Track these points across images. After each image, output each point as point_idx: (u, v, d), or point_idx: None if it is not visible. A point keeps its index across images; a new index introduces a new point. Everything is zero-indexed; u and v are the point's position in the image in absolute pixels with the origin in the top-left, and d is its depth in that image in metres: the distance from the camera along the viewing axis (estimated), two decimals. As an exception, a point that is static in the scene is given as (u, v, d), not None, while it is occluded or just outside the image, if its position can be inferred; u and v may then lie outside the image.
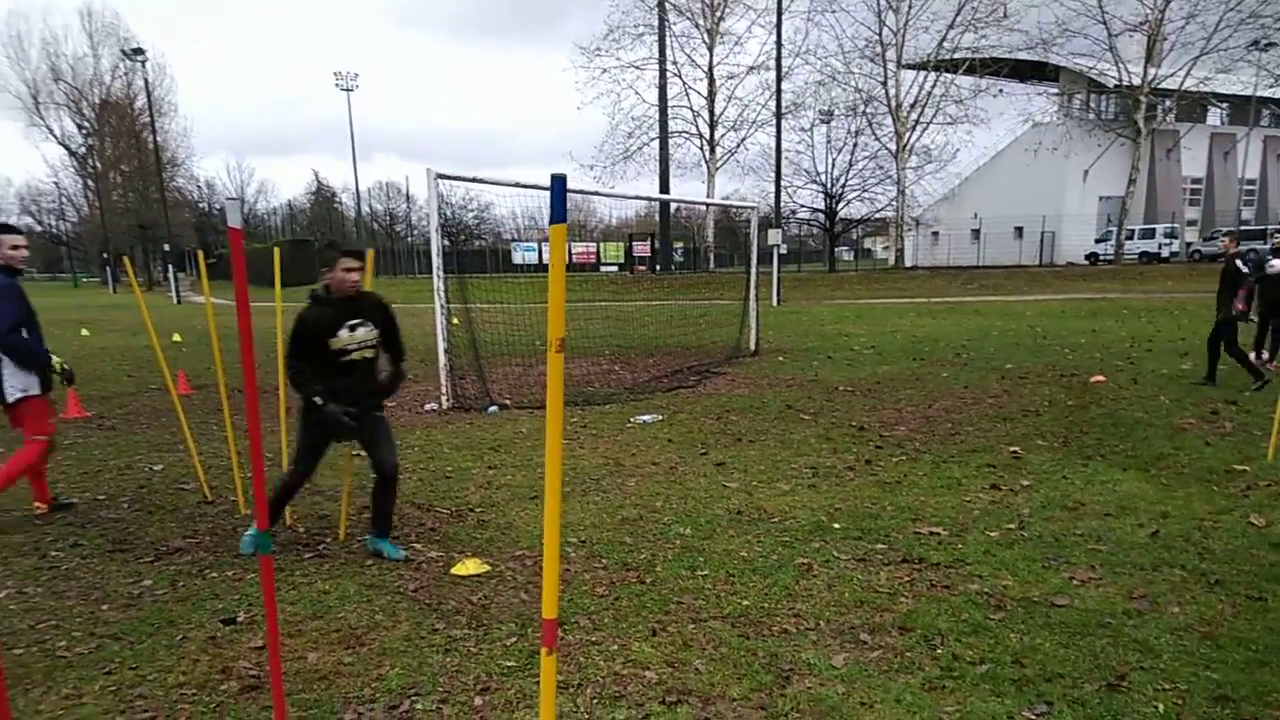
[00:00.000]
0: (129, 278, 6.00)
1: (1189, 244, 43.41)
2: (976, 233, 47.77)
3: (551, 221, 1.55)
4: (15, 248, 5.18)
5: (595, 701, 3.10)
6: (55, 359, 5.31)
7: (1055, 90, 46.65)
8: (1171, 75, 39.27)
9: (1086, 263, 41.78)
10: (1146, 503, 5.28)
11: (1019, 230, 46.02)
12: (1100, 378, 10.10)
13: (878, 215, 48.29)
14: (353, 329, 4.34)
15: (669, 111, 45.57)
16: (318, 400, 4.23)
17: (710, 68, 46.00)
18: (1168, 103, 41.74)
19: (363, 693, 3.19)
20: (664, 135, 45.39)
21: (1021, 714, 2.93)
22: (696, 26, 45.66)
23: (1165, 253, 40.87)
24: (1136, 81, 39.03)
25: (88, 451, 7.56)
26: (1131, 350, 12.76)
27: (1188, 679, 3.12)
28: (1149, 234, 41.66)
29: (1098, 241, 43.21)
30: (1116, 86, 40.30)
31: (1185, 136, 45.24)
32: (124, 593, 4.22)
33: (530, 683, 3.24)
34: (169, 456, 7.26)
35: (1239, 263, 9.15)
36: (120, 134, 64.52)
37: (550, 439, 1.64)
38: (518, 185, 10.46)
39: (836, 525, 5.06)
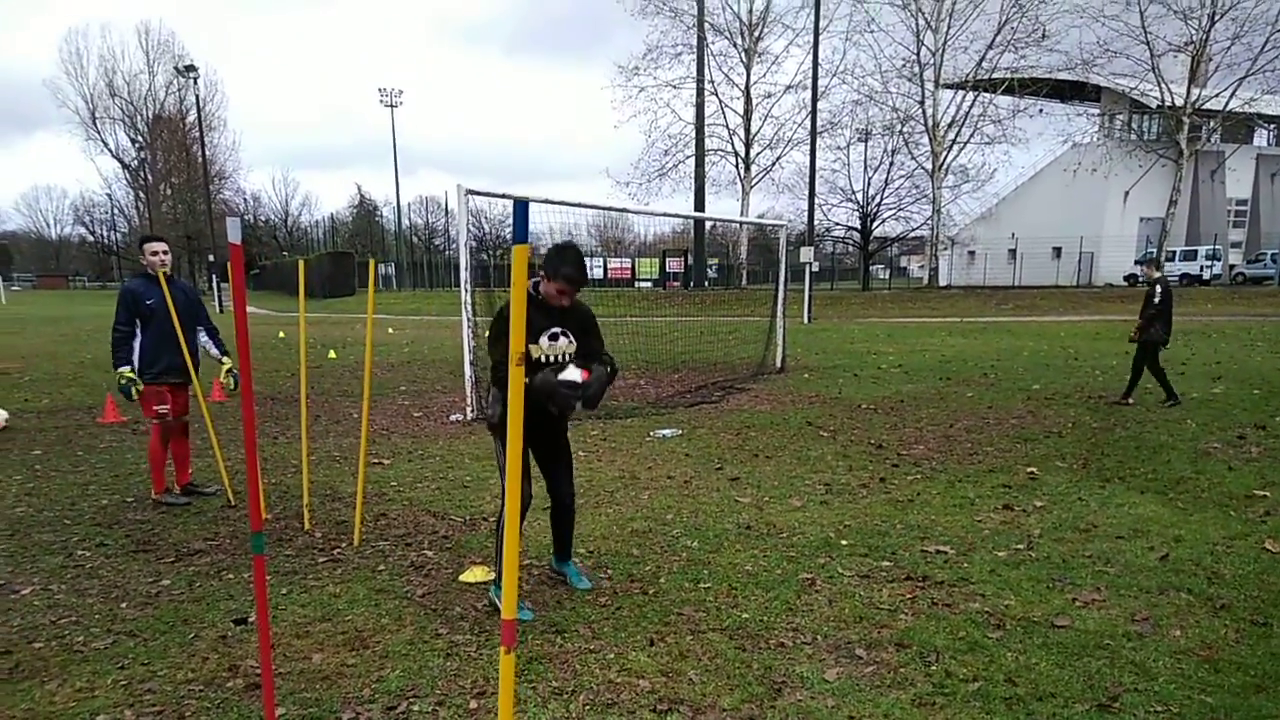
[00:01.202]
0: (162, 288, 6.21)
1: (1232, 266, 42.51)
2: (1013, 252, 47.23)
3: (514, 242, 1.62)
4: (155, 254, 5.92)
5: (587, 708, 3.16)
6: (124, 371, 5.78)
7: (1096, 110, 46.09)
8: (1216, 96, 38.65)
9: (1125, 284, 41.06)
10: (1160, 526, 5.22)
11: (1057, 251, 45.40)
12: (1129, 401, 9.95)
13: (913, 234, 48.00)
14: (553, 339, 3.94)
15: (705, 130, 45.78)
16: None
17: (747, 86, 46.15)
18: (1212, 124, 41.04)
19: (362, 693, 3.28)
20: (700, 153, 45.57)
21: (1009, 732, 2.93)
22: (735, 46, 45.88)
23: (1207, 275, 40.04)
24: (1180, 102, 38.46)
25: (120, 455, 7.79)
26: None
27: (1181, 702, 3.10)
28: (1190, 255, 40.86)
29: (1137, 263, 42.43)
30: (1159, 107, 39.73)
31: (1230, 158, 44.39)
32: (143, 591, 4.37)
33: (526, 688, 3.31)
34: (197, 462, 7.44)
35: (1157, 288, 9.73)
36: (171, 147, 66.42)
37: (511, 451, 1.72)
38: (547, 201, 10.61)
39: (844, 542, 5.07)
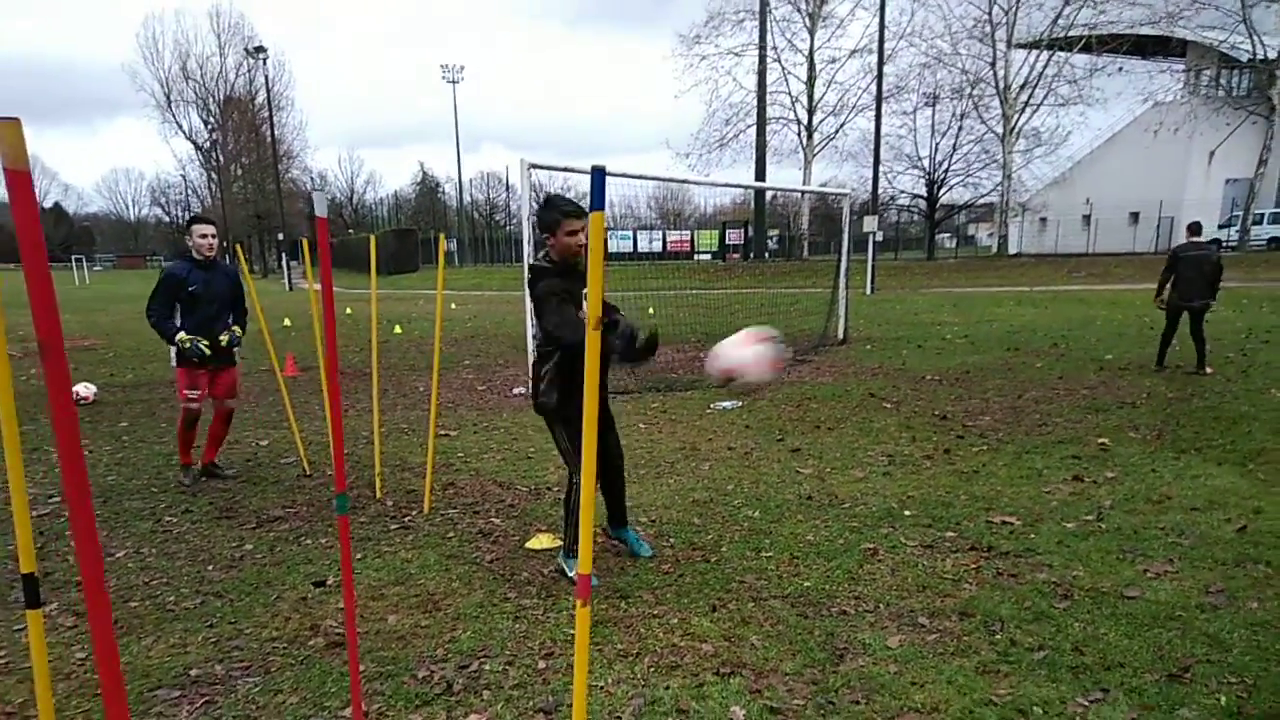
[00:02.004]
0: (241, 265, 6.43)
1: (1326, 229, 40.32)
2: (1088, 219, 45.58)
3: (591, 209, 1.67)
4: (204, 236, 5.77)
5: (652, 669, 3.24)
6: (181, 336, 5.66)
7: (1181, 67, 43.92)
8: (1312, 47, 36.52)
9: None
10: (1239, 498, 5.07)
11: (1134, 216, 43.66)
12: (1209, 369, 9.60)
13: (982, 201, 46.72)
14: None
15: (767, 98, 45.09)
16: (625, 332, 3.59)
17: (811, 52, 45.22)
18: (1308, 77, 38.80)
19: (436, 653, 3.42)
20: (761, 122, 44.93)
21: (1075, 700, 2.92)
22: (798, 11, 44.92)
23: (1299, 238, 38.08)
24: (1273, 55, 36.39)
25: (203, 426, 8.12)
26: (1246, 341, 12.07)
27: (1257, 673, 3.04)
28: (1280, 218, 38.89)
29: (1221, 227, 40.54)
30: (1250, 61, 37.68)
31: (1326, 113, 41.96)
32: (227, 555, 4.60)
33: (593, 650, 3.40)
34: (274, 433, 7.76)
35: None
36: (241, 128, 68.08)
37: (587, 412, 1.78)
38: (609, 174, 10.64)
39: (907, 512, 5.05)
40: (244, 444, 7.31)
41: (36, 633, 1.76)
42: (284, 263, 47.39)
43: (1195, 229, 9.80)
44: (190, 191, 79.69)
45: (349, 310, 24.98)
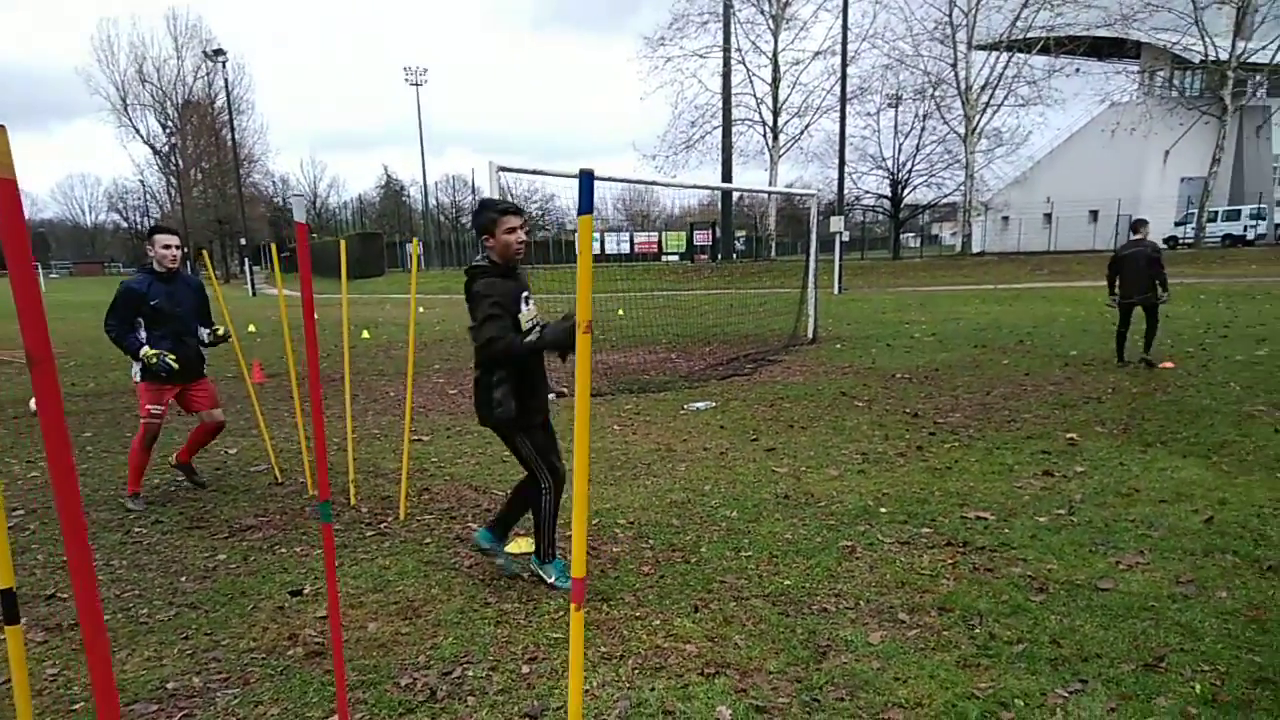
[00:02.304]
0: (208, 271, 6.31)
1: (1277, 225, 41.40)
2: (1049, 217, 46.38)
3: (579, 213, 1.67)
4: (167, 247, 5.42)
5: (636, 671, 3.24)
6: (146, 351, 5.29)
7: (1135, 68, 44.85)
8: (1262, 48, 37.39)
9: (1165, 246, 40.20)
10: (1204, 490, 5.18)
11: (1093, 214, 44.52)
12: (1169, 364, 9.82)
13: (945, 200, 47.31)
14: (527, 302, 3.79)
15: (732, 99, 45.28)
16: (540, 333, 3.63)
17: (775, 54, 45.48)
18: (1258, 78, 39.77)
19: (418, 660, 3.38)
20: (727, 123, 45.13)
21: (1055, 691, 2.96)
22: (762, 13, 45.14)
23: (1251, 235, 39.05)
24: (1224, 56, 37.26)
25: (168, 436, 7.96)
26: (1205, 336, 12.35)
27: (1229, 661, 3.11)
28: (1233, 215, 39.84)
29: (1177, 224, 41.53)
30: (1202, 62, 38.56)
31: (1276, 113, 43.08)
32: (200, 566, 4.52)
33: (574, 653, 3.39)
34: (243, 441, 7.64)
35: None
36: (201, 132, 67.03)
37: (579, 414, 1.77)
38: (575, 177, 10.63)
39: (883, 510, 5.10)
40: (213, 452, 7.19)
41: (16, 649, 1.72)
42: (247, 268, 46.72)
43: (1136, 226, 10.05)
44: (149, 197, 78.27)
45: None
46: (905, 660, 3.25)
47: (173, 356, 5.36)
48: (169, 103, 65.42)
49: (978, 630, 3.47)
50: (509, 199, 9.76)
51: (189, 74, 65.01)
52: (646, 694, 3.07)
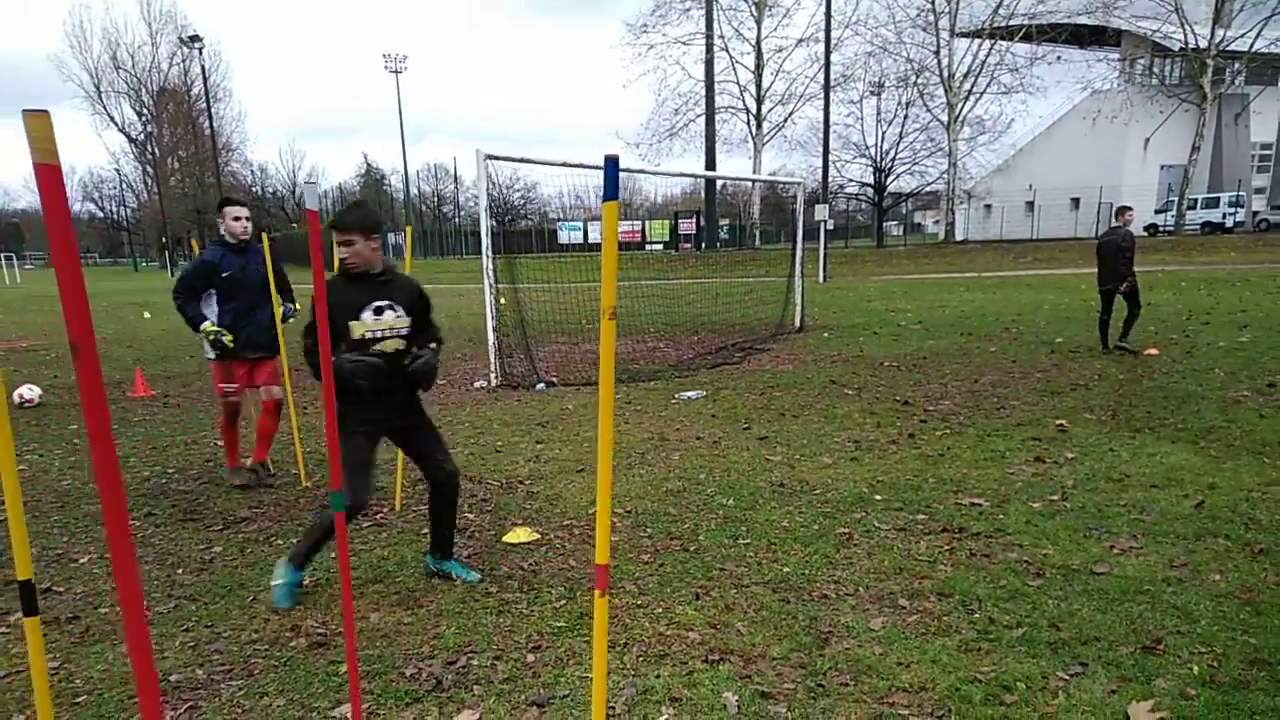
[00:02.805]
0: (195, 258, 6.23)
1: (1256, 213, 41.87)
2: (1031, 205, 46.67)
3: (605, 199, 1.67)
4: (237, 219, 5.51)
5: (641, 659, 3.26)
6: (206, 325, 5.40)
7: (1116, 56, 45.13)
8: (1241, 36, 37.70)
9: (1145, 234, 40.59)
10: (1194, 474, 5.25)
11: (1075, 202, 44.84)
12: (1153, 350, 9.93)
13: (928, 188, 47.53)
14: (379, 312, 3.71)
15: (716, 87, 45.25)
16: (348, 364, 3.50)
17: (758, 41, 45.47)
18: (1237, 65, 40.14)
19: (422, 649, 3.38)
20: (710, 111, 45.10)
21: (1056, 674, 3.00)
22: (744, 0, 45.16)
23: (1230, 222, 39.48)
24: (1204, 44, 37.57)
25: (155, 428, 7.92)
26: (1188, 323, 12.49)
27: (1225, 643, 3.16)
28: (1213, 203, 40.24)
29: (1157, 212, 41.90)
30: (1182, 50, 38.85)
31: (1255, 101, 43.45)
32: (196, 558, 4.49)
33: (579, 641, 3.40)
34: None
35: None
36: (177, 120, 66.26)
37: (603, 401, 1.77)
38: (565, 164, 10.60)
39: (878, 497, 5.14)
40: (203, 444, 7.14)
41: (36, 640, 1.71)
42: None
43: (1118, 212, 10.10)
44: (125, 186, 77.31)
45: (298, 305, 24.47)
46: (907, 645, 3.28)
47: (229, 336, 5.45)
48: (144, 90, 64.62)
49: (977, 615, 3.51)
50: (492, 187, 9.75)
51: (164, 61, 64.23)
52: (652, 681, 3.09)
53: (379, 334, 3.70)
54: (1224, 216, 39.57)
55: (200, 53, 48.35)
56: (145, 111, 65.55)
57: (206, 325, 5.40)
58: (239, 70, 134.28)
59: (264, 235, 5.94)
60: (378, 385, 3.59)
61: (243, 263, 5.50)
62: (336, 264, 3.74)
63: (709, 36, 43.94)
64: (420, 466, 4.06)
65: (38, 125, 1.03)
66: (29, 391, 9.19)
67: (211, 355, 5.61)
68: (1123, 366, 9.17)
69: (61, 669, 3.27)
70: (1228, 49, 38.05)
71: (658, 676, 3.12)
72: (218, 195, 51.64)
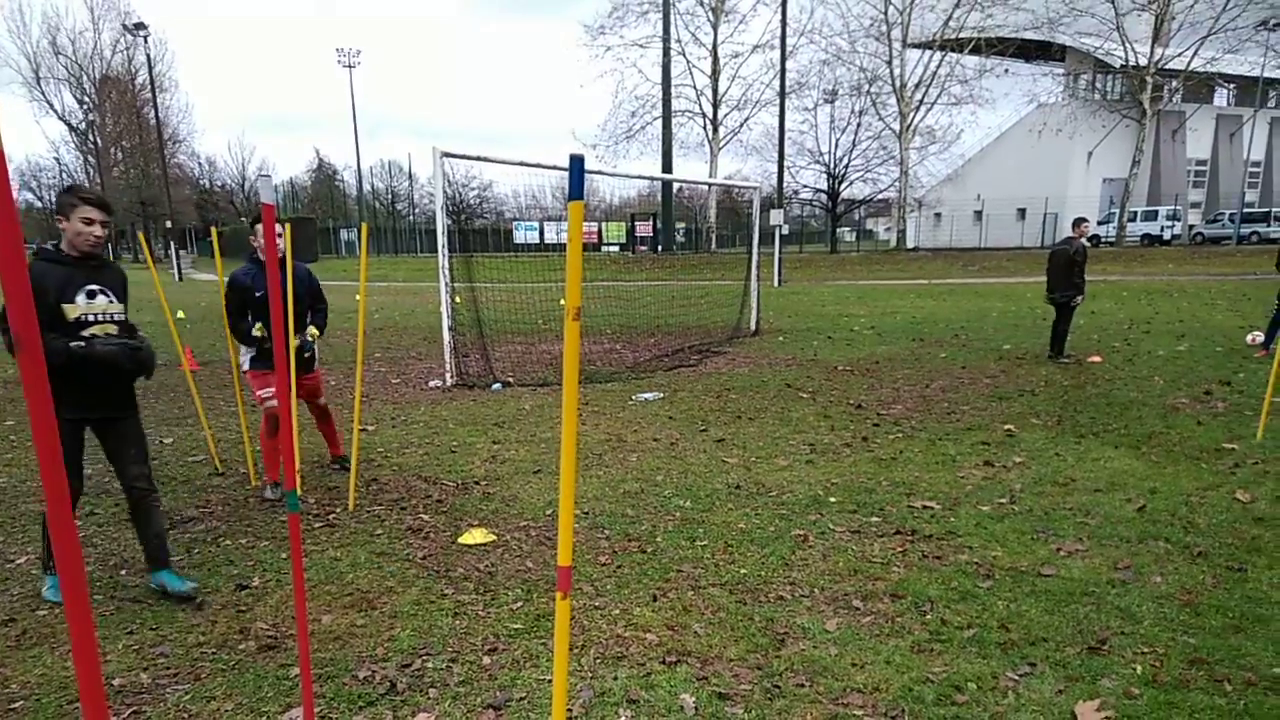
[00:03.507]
0: (145, 255, 6.04)
1: (1191, 226, 43.32)
2: (979, 214, 47.69)
3: (570, 198, 1.65)
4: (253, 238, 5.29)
5: (599, 661, 3.25)
6: (256, 328, 5.13)
7: (1061, 70, 46.42)
8: (1179, 55, 39.04)
9: (1088, 244, 41.73)
10: (1136, 479, 5.41)
11: (1021, 212, 45.96)
12: (1097, 358, 10.21)
13: (880, 196, 48.27)
14: (91, 296, 3.61)
15: (672, 90, 45.37)
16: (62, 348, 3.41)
17: (715, 46, 45.79)
18: (1174, 83, 41.50)
19: (376, 652, 3.33)
20: (667, 114, 45.19)
21: (1005, 674, 3.07)
22: (701, 4, 45.43)
23: (1167, 235, 40.80)
24: (1143, 61, 38.80)
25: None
26: (1129, 332, 12.86)
27: (1166, 643, 3.26)
28: (1151, 216, 41.57)
29: (1100, 224, 43.13)
30: (1123, 66, 40.07)
31: (1191, 118, 45.03)
32: (141, 559, 4.34)
33: (536, 643, 3.38)
34: (178, 430, 7.39)
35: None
36: (121, 110, 64.30)
37: (567, 402, 1.76)
38: (523, 164, 10.55)
39: (833, 499, 5.19)
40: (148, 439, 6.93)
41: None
42: (172, 252, 45.08)
43: (1074, 224, 10.35)
44: (65, 175, 74.83)
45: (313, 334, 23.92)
46: (861, 646, 3.32)
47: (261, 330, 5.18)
48: (85, 77, 62.57)
49: (929, 616, 3.57)
50: (448, 185, 9.66)
51: (106, 48, 62.23)
52: (609, 683, 3.08)
53: (93, 317, 3.60)
54: (1162, 229, 40.90)
55: (145, 41, 46.92)
56: (87, 99, 63.50)
57: (258, 326, 5.13)
58: (186, 61, 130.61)
59: (213, 229, 5.80)
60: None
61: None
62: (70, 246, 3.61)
63: (666, 40, 44.04)
64: (114, 468, 3.90)
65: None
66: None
67: (246, 365, 5.38)
68: (1068, 373, 9.41)
69: (-5, 674, 3.15)
70: (1166, 67, 39.37)
71: (615, 678, 3.11)
72: (164, 188, 50.49)
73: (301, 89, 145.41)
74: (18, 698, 3.00)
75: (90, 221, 3.54)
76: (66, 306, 3.52)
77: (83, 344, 3.45)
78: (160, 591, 3.86)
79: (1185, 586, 3.77)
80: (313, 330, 5.50)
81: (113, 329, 3.67)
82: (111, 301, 3.68)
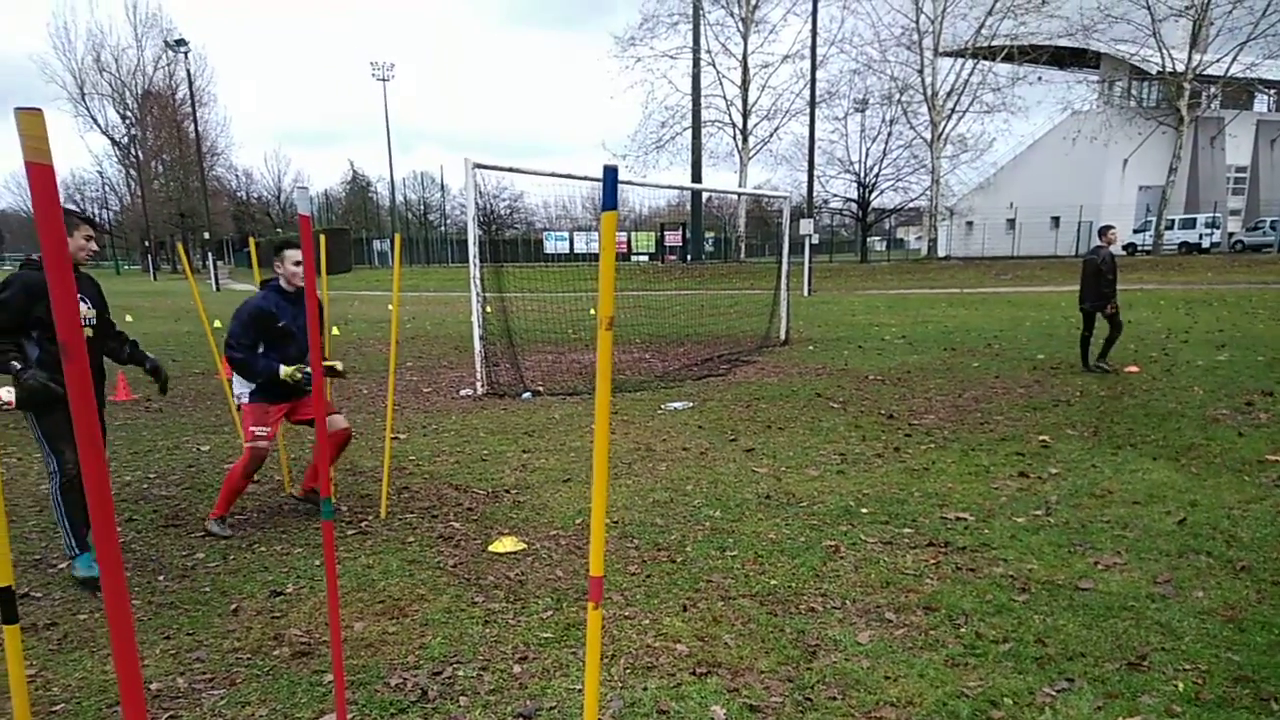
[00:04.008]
0: (184, 265, 6.17)
1: (1231, 234, 42.49)
2: (1012, 223, 47.16)
3: (604, 209, 1.66)
4: (298, 264, 4.87)
5: (628, 671, 3.24)
6: (286, 370, 4.80)
7: (1096, 78, 45.80)
8: (1217, 61, 38.35)
9: (1124, 253, 41.05)
10: (1175, 491, 5.30)
11: (1055, 220, 45.36)
12: (1134, 368, 10.04)
13: (911, 205, 47.98)
14: (80, 301, 4.12)
15: (702, 101, 45.49)
16: (15, 365, 3.95)
17: (744, 56, 45.80)
18: (1212, 89, 40.79)
19: (407, 660, 3.35)
20: (697, 125, 45.31)
21: (1042, 690, 3.01)
22: (731, 15, 45.51)
23: (1206, 243, 40.03)
24: (1180, 68, 38.17)
25: (137, 432, 7.83)
26: (1167, 341, 12.63)
27: (1209, 660, 3.18)
28: (1189, 224, 40.81)
29: (1136, 232, 42.41)
30: (1159, 73, 39.44)
31: (1230, 124, 44.21)
32: (178, 565, 4.43)
33: (566, 653, 3.38)
34: (215, 438, 7.51)
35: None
36: (162, 124, 65.70)
37: (599, 411, 1.76)
38: (553, 175, 10.61)
39: (864, 510, 5.15)
40: (184, 450, 7.06)
41: (14, 648, 1.67)
42: (210, 262, 45.91)
43: (1100, 232, 10.18)
44: (108, 189, 76.58)
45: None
46: (894, 659, 3.28)
47: (306, 369, 4.86)
48: (128, 93, 64.05)
49: (964, 629, 3.52)
50: (479, 196, 9.73)
51: (149, 64, 63.70)
52: (639, 693, 3.07)
53: (85, 320, 4.11)
54: (1201, 237, 40.12)
55: (186, 56, 47.98)
56: (129, 114, 64.99)
57: (286, 369, 4.79)
58: (224, 75, 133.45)
59: (250, 240, 5.89)
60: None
61: (296, 312, 4.90)
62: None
63: (696, 51, 44.21)
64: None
65: (30, 123, 1.02)
66: (6, 394, 9.06)
67: (246, 397, 4.88)
68: (1104, 383, 9.26)
69: (39, 676, 3.22)
70: (1204, 73, 38.70)
71: (645, 689, 3.10)
72: (203, 200, 51.46)
73: (337, 102, 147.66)
74: (59, 700, 3.05)
75: (90, 238, 4.12)
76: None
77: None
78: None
79: (1228, 602, 3.69)
80: (337, 364, 5.23)
81: (89, 332, 4.25)
82: (90, 307, 4.28)
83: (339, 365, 5.22)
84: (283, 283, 4.91)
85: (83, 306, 4.01)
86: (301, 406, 5.09)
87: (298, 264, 4.85)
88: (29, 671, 3.24)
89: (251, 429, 4.83)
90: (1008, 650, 3.31)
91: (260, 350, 4.82)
